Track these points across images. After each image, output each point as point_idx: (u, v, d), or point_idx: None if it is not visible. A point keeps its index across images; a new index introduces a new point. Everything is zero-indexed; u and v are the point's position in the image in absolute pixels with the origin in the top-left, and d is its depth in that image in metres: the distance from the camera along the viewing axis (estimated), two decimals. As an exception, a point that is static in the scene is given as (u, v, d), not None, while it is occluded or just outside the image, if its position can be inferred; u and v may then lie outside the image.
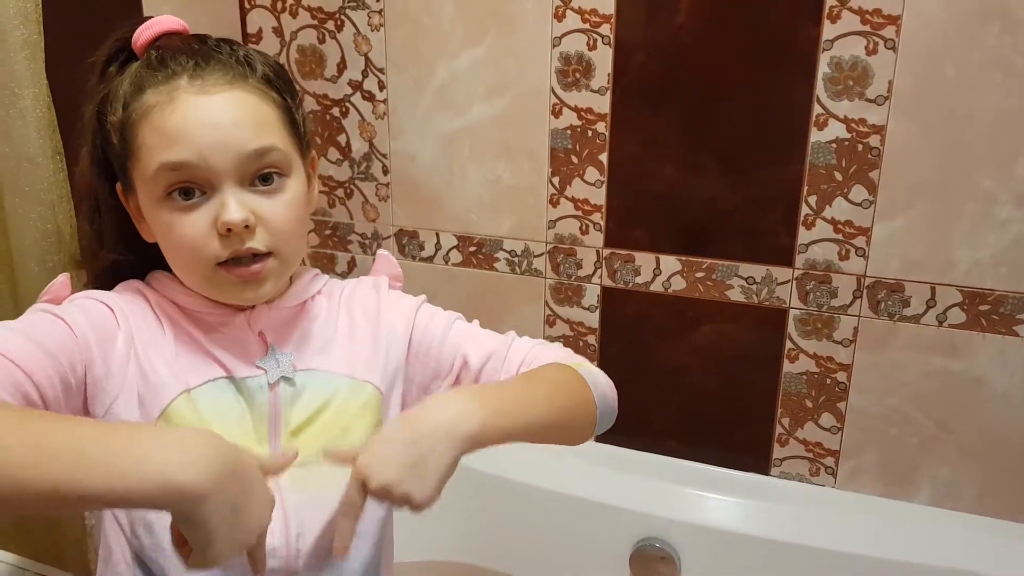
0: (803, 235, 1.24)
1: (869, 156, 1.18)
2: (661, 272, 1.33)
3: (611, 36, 1.26)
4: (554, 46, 1.29)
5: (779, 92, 1.20)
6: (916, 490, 1.28)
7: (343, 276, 1.52)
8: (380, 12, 1.37)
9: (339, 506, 0.68)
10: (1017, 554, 1.18)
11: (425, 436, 0.65)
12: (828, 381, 1.29)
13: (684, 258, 1.31)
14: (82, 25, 0.97)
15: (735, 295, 1.30)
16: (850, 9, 1.14)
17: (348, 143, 1.47)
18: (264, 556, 0.64)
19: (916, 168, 1.17)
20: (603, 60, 1.27)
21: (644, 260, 1.34)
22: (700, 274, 1.31)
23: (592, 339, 1.41)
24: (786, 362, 1.31)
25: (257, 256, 0.70)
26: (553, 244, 1.39)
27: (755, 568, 1.26)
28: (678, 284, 1.33)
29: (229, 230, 0.68)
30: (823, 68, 1.17)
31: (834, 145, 1.19)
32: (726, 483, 1.34)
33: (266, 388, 0.74)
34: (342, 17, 1.40)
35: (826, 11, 1.15)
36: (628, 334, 1.39)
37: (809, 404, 1.31)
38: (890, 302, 1.23)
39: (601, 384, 0.82)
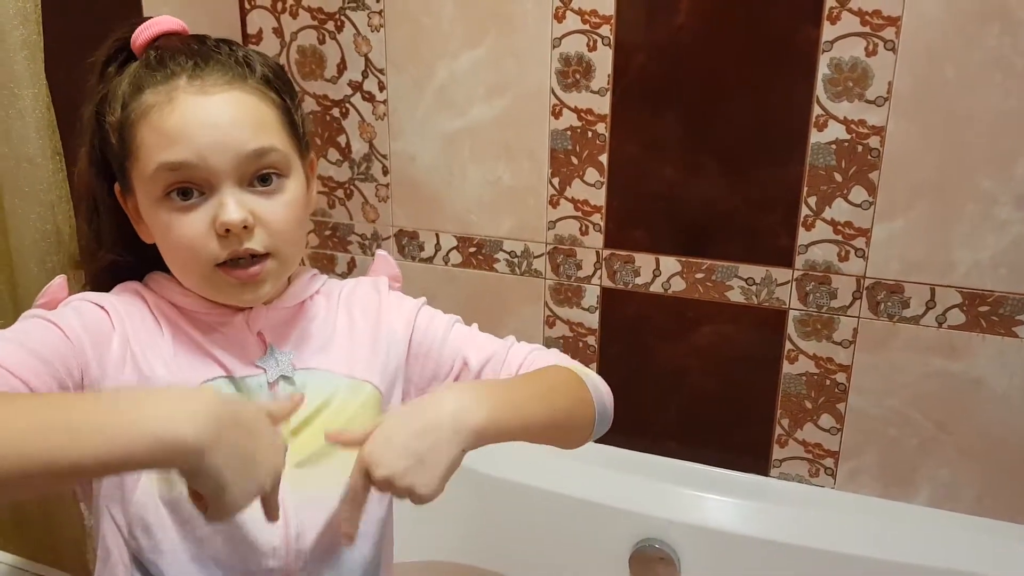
0: (803, 236, 1.24)
1: (869, 157, 1.18)
2: (661, 273, 1.33)
3: (611, 37, 1.26)
4: (554, 47, 1.29)
5: (779, 93, 1.20)
6: (915, 491, 1.28)
7: (343, 277, 1.52)
8: (380, 13, 1.37)
9: (344, 493, 0.68)
10: (1016, 555, 1.18)
11: (431, 428, 0.65)
12: (828, 382, 1.29)
13: (684, 259, 1.31)
14: (81, 25, 0.97)
15: (735, 296, 1.30)
16: (850, 10, 1.14)
17: (348, 144, 1.47)
18: (277, 503, 0.63)
19: (916, 169, 1.17)
20: (603, 61, 1.27)
21: (644, 261, 1.34)
22: (700, 275, 1.31)
23: (592, 340, 1.41)
24: (786, 363, 1.31)
25: (256, 257, 0.70)
26: (553, 245, 1.39)
27: (755, 569, 1.26)
28: (678, 285, 1.33)
29: (228, 231, 0.68)
30: (823, 69, 1.17)
31: (834, 146, 1.19)
32: (725, 484, 1.34)
33: (265, 387, 0.74)
34: (342, 18, 1.40)
35: (826, 12, 1.15)
36: (628, 335, 1.39)
37: (809, 405, 1.31)
38: (890, 303, 1.23)
39: (599, 387, 0.82)
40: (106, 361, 0.69)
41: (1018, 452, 1.21)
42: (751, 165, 1.24)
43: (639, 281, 1.35)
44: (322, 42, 1.43)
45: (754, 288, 1.29)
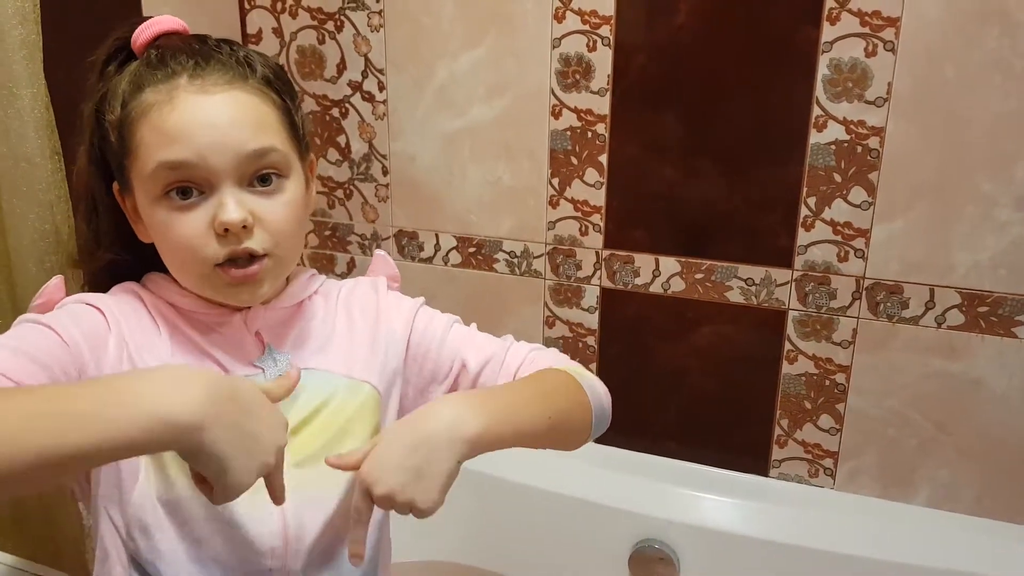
0: (802, 236, 1.24)
1: (868, 158, 1.18)
2: (660, 273, 1.33)
3: (611, 37, 1.26)
4: (554, 47, 1.29)
5: (778, 94, 1.20)
6: (915, 492, 1.28)
7: (342, 277, 1.52)
8: (380, 13, 1.37)
9: (348, 511, 0.67)
10: (1016, 556, 1.18)
11: (426, 442, 0.65)
12: (827, 382, 1.29)
13: (683, 259, 1.31)
14: (80, 25, 0.97)
15: (734, 296, 1.30)
16: (849, 11, 1.14)
17: (348, 144, 1.47)
18: (283, 483, 0.63)
19: (915, 170, 1.17)
20: (603, 61, 1.27)
21: (643, 261, 1.34)
22: (699, 275, 1.31)
23: (591, 340, 1.41)
24: (785, 363, 1.31)
25: (254, 257, 0.70)
26: (552, 245, 1.38)
27: (754, 569, 1.26)
28: (677, 285, 1.33)
29: (227, 230, 0.68)
30: (822, 70, 1.17)
31: (833, 147, 1.19)
32: (725, 484, 1.34)
33: (264, 388, 0.74)
34: (342, 18, 1.40)
35: (825, 13, 1.15)
36: (627, 335, 1.39)
37: (808, 405, 1.31)
38: (889, 304, 1.23)
39: (596, 389, 0.82)
40: (103, 363, 0.68)
41: (1017, 453, 1.22)
42: (751, 165, 1.24)
43: (639, 281, 1.35)
44: (322, 42, 1.42)
45: (754, 288, 1.29)
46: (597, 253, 1.36)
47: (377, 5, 1.37)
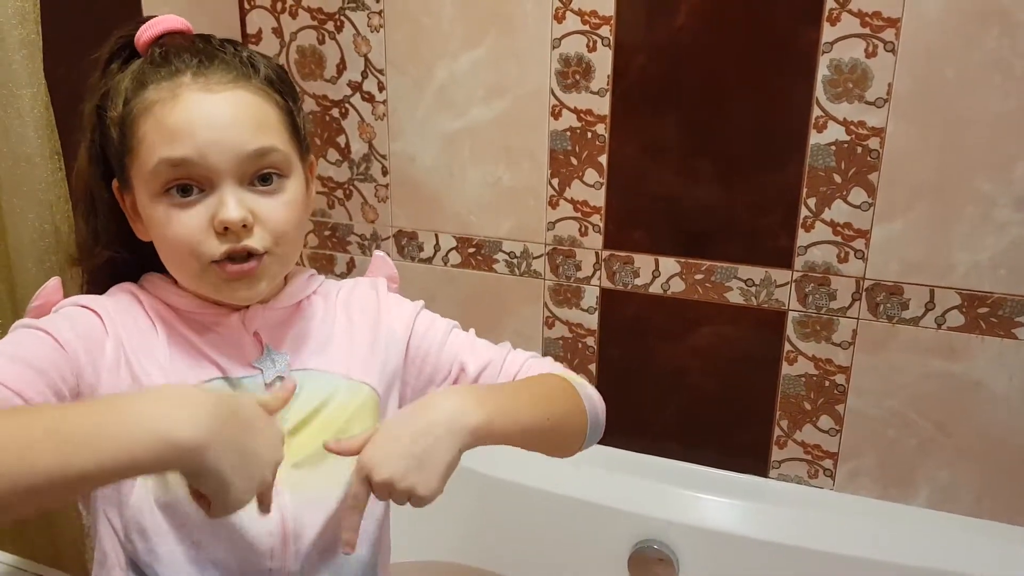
0: (802, 237, 1.25)
1: (868, 158, 1.18)
2: (660, 274, 1.33)
3: (611, 38, 1.26)
4: (554, 47, 1.29)
5: (779, 94, 1.21)
6: (915, 492, 1.28)
7: (342, 277, 1.52)
8: (380, 13, 1.37)
9: (344, 500, 0.67)
10: (1015, 556, 1.18)
11: (427, 430, 0.66)
12: (827, 383, 1.29)
13: (683, 260, 1.31)
14: (81, 25, 0.97)
15: (734, 297, 1.30)
16: (850, 12, 1.14)
17: (347, 144, 1.46)
18: (271, 495, 0.63)
19: (915, 171, 1.17)
20: (603, 62, 1.27)
21: (643, 262, 1.34)
22: (699, 276, 1.31)
23: (591, 341, 1.41)
24: (785, 364, 1.31)
25: (252, 255, 0.70)
26: (552, 246, 1.38)
27: (753, 570, 1.26)
28: (677, 286, 1.33)
29: (226, 228, 0.68)
30: (822, 70, 1.17)
31: (833, 147, 1.20)
32: (725, 485, 1.34)
33: (262, 388, 0.73)
34: (342, 18, 1.40)
35: (826, 13, 1.15)
36: (627, 336, 1.39)
37: (808, 406, 1.31)
38: (889, 304, 1.23)
39: (592, 397, 0.83)
40: (100, 366, 0.68)
41: (1017, 453, 1.22)
42: (750, 166, 1.24)
43: (638, 282, 1.35)
44: (322, 42, 1.42)
45: (753, 289, 1.29)
46: (597, 253, 1.36)
47: (377, 5, 1.37)
